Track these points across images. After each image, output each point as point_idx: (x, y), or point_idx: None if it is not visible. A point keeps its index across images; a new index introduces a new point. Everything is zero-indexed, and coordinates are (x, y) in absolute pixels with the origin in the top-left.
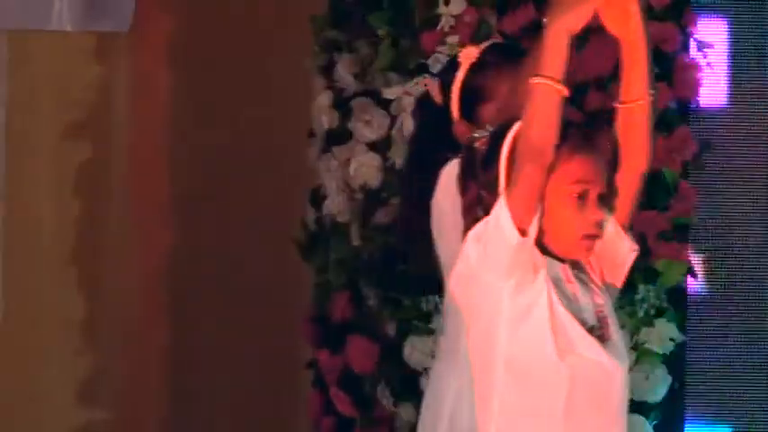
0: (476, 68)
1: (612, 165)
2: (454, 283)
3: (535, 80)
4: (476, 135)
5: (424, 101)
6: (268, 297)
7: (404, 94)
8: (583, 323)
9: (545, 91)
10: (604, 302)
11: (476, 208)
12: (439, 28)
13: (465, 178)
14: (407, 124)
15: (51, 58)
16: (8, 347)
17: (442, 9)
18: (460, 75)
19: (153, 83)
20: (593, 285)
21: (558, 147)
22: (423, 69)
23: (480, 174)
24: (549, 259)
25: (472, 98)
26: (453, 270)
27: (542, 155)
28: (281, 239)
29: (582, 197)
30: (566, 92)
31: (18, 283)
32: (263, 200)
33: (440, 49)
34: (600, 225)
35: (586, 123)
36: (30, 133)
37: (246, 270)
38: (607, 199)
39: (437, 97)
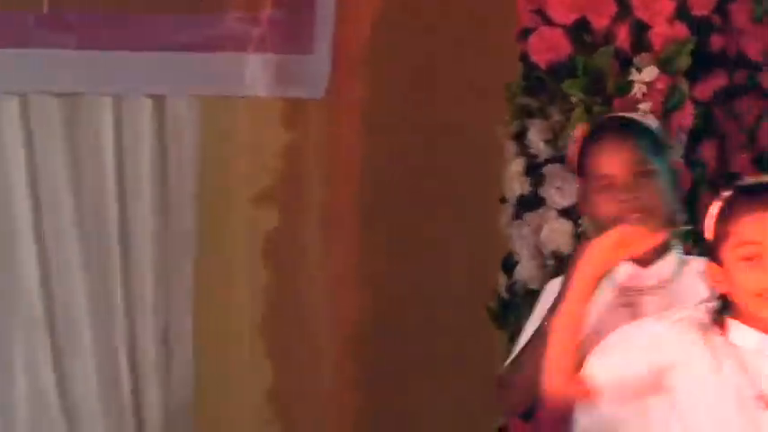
0: (582, 144)
1: None
2: None
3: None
4: None
5: None
6: (459, 363)
7: None
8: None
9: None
10: None
11: None
12: (632, 95)
13: None
14: None
15: (243, 125)
16: (198, 416)
17: (634, 76)
18: (574, 149)
19: (346, 150)
20: None
21: (726, 212)
22: None
23: None
24: (742, 328)
25: (580, 173)
26: None
27: None
28: (473, 306)
29: (750, 258)
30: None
31: (207, 351)
32: (454, 267)
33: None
34: None
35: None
36: (221, 200)
37: (438, 337)
38: None
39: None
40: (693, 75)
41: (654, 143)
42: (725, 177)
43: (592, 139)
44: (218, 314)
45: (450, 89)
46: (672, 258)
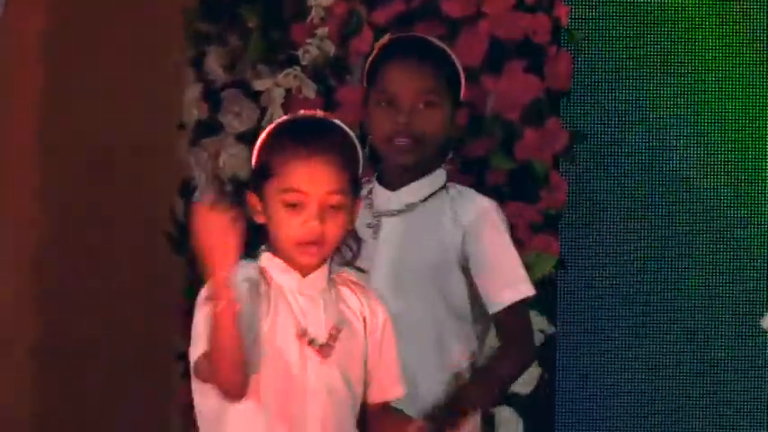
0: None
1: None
2: None
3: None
4: None
5: None
6: (140, 290)
7: (274, 85)
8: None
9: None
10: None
11: None
12: (309, 20)
13: None
14: (277, 116)
15: None
16: None
17: (311, 1)
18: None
19: (21, 77)
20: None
21: (277, 153)
22: (292, 61)
23: None
24: (289, 273)
25: (368, 82)
26: None
27: None
28: (154, 231)
29: (295, 206)
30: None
31: None
32: (134, 193)
33: (309, 40)
34: (315, 234)
35: (313, 125)
36: None
37: (118, 263)
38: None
39: None
40: (371, 0)
41: (448, 73)
42: None
43: (386, 53)
44: None
45: (126, 15)
46: (426, 182)
